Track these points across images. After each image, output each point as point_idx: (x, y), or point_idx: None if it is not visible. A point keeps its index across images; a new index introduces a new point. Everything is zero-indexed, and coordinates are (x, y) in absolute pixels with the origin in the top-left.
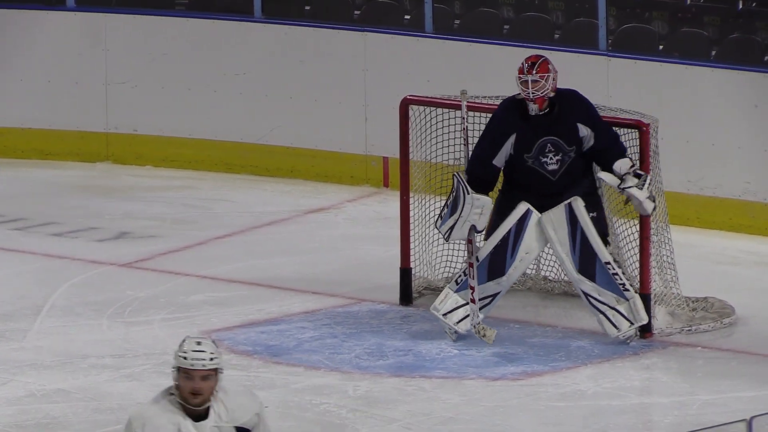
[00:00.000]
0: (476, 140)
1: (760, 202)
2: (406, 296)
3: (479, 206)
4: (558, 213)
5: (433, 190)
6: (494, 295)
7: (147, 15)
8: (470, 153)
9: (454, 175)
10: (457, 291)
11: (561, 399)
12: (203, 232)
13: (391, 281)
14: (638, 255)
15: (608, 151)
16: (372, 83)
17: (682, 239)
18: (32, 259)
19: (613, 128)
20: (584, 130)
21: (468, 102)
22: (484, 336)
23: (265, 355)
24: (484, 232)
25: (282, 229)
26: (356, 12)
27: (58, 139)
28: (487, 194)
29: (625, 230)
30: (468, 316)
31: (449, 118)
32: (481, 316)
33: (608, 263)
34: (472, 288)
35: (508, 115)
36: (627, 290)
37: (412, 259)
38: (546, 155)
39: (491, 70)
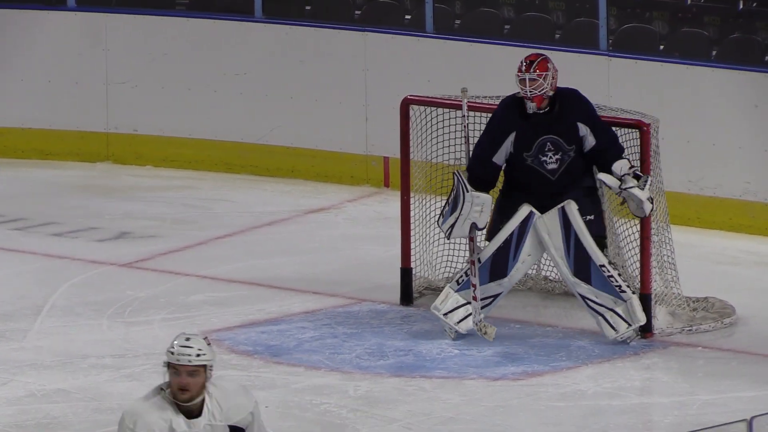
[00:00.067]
0: (477, 139)
1: (760, 202)
2: (407, 296)
3: (479, 204)
4: (551, 217)
5: (433, 190)
6: (495, 296)
7: (147, 15)
8: (471, 151)
9: (454, 173)
10: (457, 291)
11: (561, 399)
12: (203, 232)
13: (391, 281)
14: (639, 255)
15: (607, 151)
16: (372, 83)
17: (683, 239)
18: (32, 259)
19: (613, 128)
20: (584, 130)
21: (468, 101)
22: (485, 333)
23: (266, 355)
24: (485, 231)
25: (282, 229)
26: (357, 12)
27: (58, 139)
28: (487, 192)
29: (626, 230)
30: (468, 316)
31: (450, 118)
32: (482, 314)
33: (603, 266)
34: (474, 285)
35: (508, 113)
36: (624, 292)
37: (412, 259)
38: (545, 154)
39: (492, 70)
